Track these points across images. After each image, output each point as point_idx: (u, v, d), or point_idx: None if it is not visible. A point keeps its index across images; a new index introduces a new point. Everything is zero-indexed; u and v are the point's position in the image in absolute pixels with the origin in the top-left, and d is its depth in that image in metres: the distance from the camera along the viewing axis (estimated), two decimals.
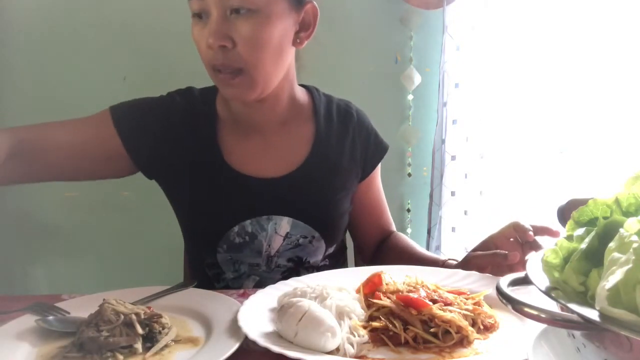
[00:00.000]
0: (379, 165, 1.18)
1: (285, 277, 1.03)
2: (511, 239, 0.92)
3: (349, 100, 1.18)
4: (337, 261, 1.16)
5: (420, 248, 1.14)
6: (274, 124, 1.07)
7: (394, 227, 1.24)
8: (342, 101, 1.16)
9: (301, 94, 1.11)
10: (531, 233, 0.89)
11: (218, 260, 1.06)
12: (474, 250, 0.97)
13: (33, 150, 0.94)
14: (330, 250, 1.12)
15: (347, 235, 1.23)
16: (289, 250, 1.06)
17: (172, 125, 1.05)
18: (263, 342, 0.66)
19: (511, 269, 0.88)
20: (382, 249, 1.18)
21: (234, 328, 0.72)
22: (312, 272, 0.97)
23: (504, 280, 0.52)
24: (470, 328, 0.69)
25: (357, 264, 1.27)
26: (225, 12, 0.90)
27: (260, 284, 1.03)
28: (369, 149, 1.14)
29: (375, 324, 0.71)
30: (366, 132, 1.15)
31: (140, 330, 0.71)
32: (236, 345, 0.68)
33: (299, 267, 1.08)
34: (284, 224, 1.04)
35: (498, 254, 0.89)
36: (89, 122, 1.02)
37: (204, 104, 1.08)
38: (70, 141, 0.98)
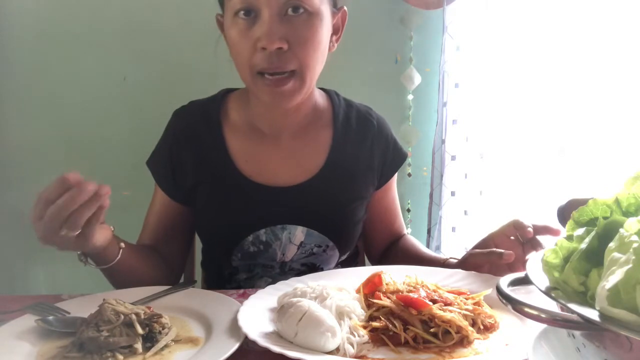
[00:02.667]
0: (396, 173, 1.16)
1: None
2: (511, 237, 0.91)
3: (369, 107, 1.14)
4: (349, 266, 1.14)
5: (425, 249, 1.13)
6: (293, 130, 1.05)
7: (405, 231, 1.21)
8: (362, 106, 1.13)
9: (321, 99, 1.09)
10: (530, 230, 0.88)
11: (232, 265, 1.06)
12: (474, 248, 0.96)
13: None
14: (343, 257, 1.11)
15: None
16: (302, 258, 1.05)
17: (180, 144, 1.05)
18: (263, 342, 0.66)
19: (511, 268, 0.88)
20: (390, 251, 1.17)
21: (234, 328, 0.72)
22: None
23: (504, 280, 0.52)
24: (470, 328, 0.69)
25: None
26: (281, 12, 0.86)
27: None
28: (387, 158, 1.11)
29: (375, 324, 0.71)
30: (385, 141, 1.11)
31: (140, 330, 0.71)
32: (236, 345, 0.68)
33: (312, 271, 1.05)
34: (299, 233, 1.03)
35: (494, 252, 0.88)
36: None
37: (208, 116, 1.05)
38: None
